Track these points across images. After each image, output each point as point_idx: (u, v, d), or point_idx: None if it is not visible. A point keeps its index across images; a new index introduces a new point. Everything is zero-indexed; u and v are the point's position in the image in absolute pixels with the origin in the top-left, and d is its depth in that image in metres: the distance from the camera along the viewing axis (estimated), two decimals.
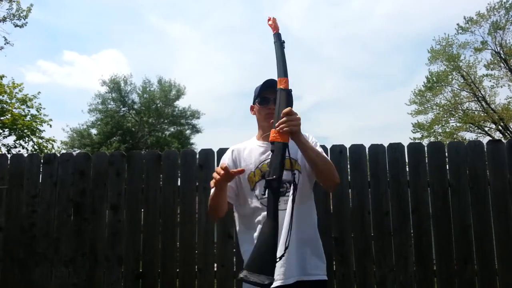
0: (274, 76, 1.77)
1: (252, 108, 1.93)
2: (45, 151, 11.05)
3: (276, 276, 1.65)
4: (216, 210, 1.75)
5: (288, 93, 1.64)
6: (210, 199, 1.75)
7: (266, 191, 1.51)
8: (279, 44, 1.73)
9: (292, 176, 1.59)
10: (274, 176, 1.50)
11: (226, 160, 1.89)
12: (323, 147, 2.78)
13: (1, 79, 10.79)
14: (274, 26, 1.76)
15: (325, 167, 1.69)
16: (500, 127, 17.70)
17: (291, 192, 1.60)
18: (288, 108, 1.56)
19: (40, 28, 38.77)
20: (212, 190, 1.71)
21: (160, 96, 26.24)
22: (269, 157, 1.76)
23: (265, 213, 1.68)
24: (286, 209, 1.68)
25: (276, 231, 1.47)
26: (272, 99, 1.80)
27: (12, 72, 39.10)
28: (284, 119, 1.55)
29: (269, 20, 1.77)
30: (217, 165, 2.99)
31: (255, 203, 1.77)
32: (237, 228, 1.89)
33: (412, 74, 38.86)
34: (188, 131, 27.57)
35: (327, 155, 2.83)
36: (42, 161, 3.16)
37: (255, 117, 1.93)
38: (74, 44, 42.17)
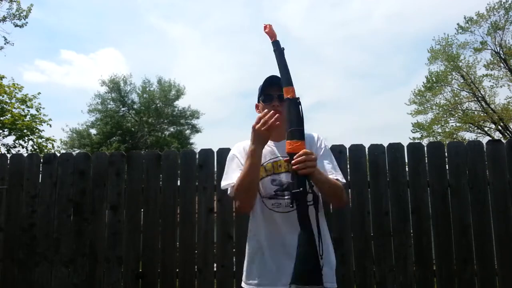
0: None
1: (257, 107, 1.91)
2: (45, 150, 11.03)
3: (282, 282, 1.65)
4: (250, 190, 1.67)
5: (296, 103, 1.62)
6: (243, 176, 1.66)
7: (294, 203, 1.52)
8: (279, 52, 1.67)
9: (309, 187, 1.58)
10: (301, 188, 1.51)
11: (236, 154, 1.85)
12: None
13: (1, 80, 10.78)
14: (272, 34, 1.68)
15: (335, 195, 1.71)
16: (499, 127, 17.71)
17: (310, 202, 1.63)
18: (303, 151, 1.55)
19: (37, 27, 38.86)
20: (247, 163, 1.64)
21: (159, 96, 26.25)
22: (274, 155, 1.77)
23: (267, 215, 1.71)
24: (293, 210, 1.69)
25: (312, 239, 1.50)
26: (276, 96, 1.79)
27: (10, 71, 39.15)
28: (301, 158, 1.53)
29: (265, 28, 1.69)
30: (217, 165, 3.02)
31: (257, 201, 1.77)
32: (249, 221, 1.87)
33: (411, 74, 38.90)
34: (187, 131, 27.60)
35: None
36: (42, 161, 3.16)
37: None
38: (73, 44, 42.26)
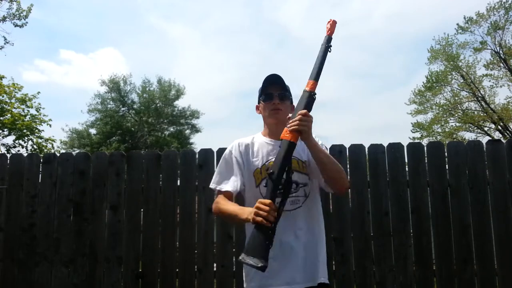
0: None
1: (257, 108, 1.90)
2: (45, 150, 11.03)
3: (282, 280, 1.66)
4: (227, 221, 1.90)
5: (310, 96, 1.63)
6: (229, 214, 1.70)
7: (267, 183, 1.56)
8: (326, 47, 1.68)
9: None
10: (272, 171, 1.54)
11: (234, 152, 1.85)
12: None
13: (1, 79, 10.78)
14: (330, 29, 1.70)
15: (335, 171, 1.69)
16: (499, 127, 17.70)
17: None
18: (304, 110, 1.58)
19: (36, 27, 38.85)
20: (234, 211, 1.66)
21: (159, 96, 26.23)
22: (275, 154, 1.77)
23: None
24: (292, 210, 1.70)
25: (274, 226, 1.50)
26: (276, 95, 1.79)
27: (9, 71, 39.18)
28: (297, 117, 1.57)
29: (329, 22, 1.70)
30: (217, 164, 3.00)
31: (258, 199, 1.77)
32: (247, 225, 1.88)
33: (412, 74, 38.91)
34: (187, 131, 27.57)
35: None
36: (41, 161, 3.16)
37: (261, 116, 1.90)
38: (72, 43, 42.26)
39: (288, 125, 1.58)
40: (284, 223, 1.68)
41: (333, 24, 1.70)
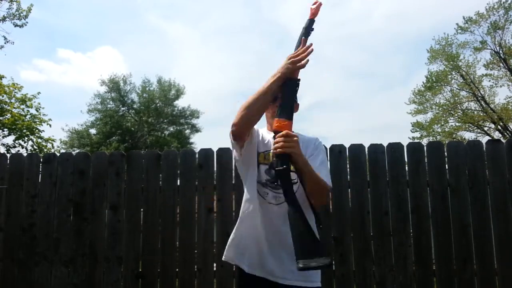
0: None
1: None
2: (45, 150, 11.02)
3: (264, 272, 1.68)
4: (249, 110, 1.62)
5: (295, 84, 1.62)
6: (256, 95, 1.63)
7: (278, 180, 1.57)
8: (307, 31, 1.65)
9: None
10: (284, 166, 1.52)
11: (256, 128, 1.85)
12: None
13: (1, 79, 10.77)
14: (314, 12, 1.65)
15: (315, 189, 1.65)
16: (499, 127, 17.71)
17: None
18: (286, 131, 1.55)
19: (35, 26, 38.84)
20: (260, 88, 1.62)
21: (159, 95, 26.25)
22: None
23: (257, 206, 1.72)
24: (276, 204, 1.72)
25: (301, 213, 1.50)
26: (280, 97, 1.79)
27: (7, 70, 39.13)
28: (279, 139, 1.54)
29: (315, 3, 1.65)
30: (217, 165, 3.02)
31: (253, 184, 1.76)
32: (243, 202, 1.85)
33: (411, 74, 38.96)
34: (187, 131, 27.59)
35: (327, 155, 2.83)
36: (41, 160, 3.16)
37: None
38: (70, 42, 42.22)
39: (274, 146, 1.55)
40: (266, 218, 1.71)
41: (318, 7, 1.65)
